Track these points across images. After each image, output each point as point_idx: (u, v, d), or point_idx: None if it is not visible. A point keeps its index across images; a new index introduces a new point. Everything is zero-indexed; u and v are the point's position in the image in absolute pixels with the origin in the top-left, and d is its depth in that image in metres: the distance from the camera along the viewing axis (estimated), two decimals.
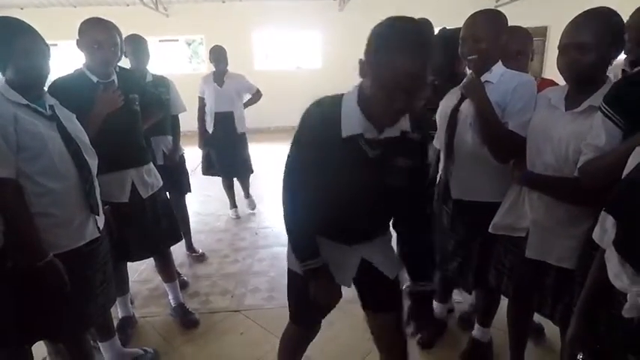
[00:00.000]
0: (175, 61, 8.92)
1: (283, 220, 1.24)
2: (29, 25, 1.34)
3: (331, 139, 1.07)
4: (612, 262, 0.91)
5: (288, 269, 1.38)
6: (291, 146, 1.16)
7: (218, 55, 3.34)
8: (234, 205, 3.83)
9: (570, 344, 1.06)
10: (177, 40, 8.86)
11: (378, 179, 1.12)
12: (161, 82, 2.57)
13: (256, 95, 3.65)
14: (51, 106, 1.42)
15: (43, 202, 1.33)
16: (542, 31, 8.10)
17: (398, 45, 0.92)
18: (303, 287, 1.27)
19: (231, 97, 3.40)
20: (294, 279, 1.35)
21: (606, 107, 1.12)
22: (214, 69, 3.39)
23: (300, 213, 1.20)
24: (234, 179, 3.79)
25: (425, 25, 2.25)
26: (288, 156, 1.18)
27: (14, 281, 1.28)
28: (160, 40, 8.10)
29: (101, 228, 1.54)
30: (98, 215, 1.51)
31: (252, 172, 3.76)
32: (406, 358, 1.40)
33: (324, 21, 8.11)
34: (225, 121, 3.41)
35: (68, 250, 1.39)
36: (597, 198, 1.03)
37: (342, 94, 1.11)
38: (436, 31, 2.28)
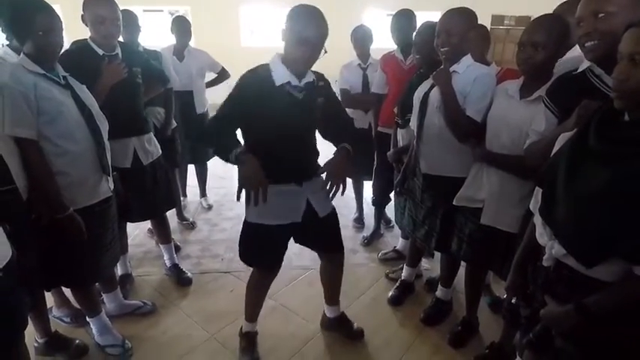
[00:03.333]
0: (159, 33, 8.70)
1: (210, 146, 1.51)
2: (47, 2, 1.44)
3: (267, 90, 1.45)
4: (538, 224, 1.15)
5: (245, 222, 1.66)
6: (224, 103, 1.49)
7: (181, 26, 2.95)
8: (184, 193, 3.45)
9: (508, 291, 1.33)
10: (162, 11, 8.66)
11: (306, 116, 1.52)
12: (153, 55, 2.57)
13: (222, 74, 3.24)
14: (64, 77, 1.55)
15: (61, 163, 1.49)
16: (526, 20, 8.33)
17: (301, 18, 1.42)
18: (257, 234, 1.63)
19: (191, 74, 3.00)
20: (249, 229, 1.66)
21: (546, 99, 1.35)
22: (175, 41, 2.99)
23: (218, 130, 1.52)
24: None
25: (404, 13, 2.44)
26: (220, 110, 1.50)
27: (38, 232, 1.44)
28: (144, 10, 7.90)
29: (112, 188, 1.70)
30: (109, 176, 1.66)
31: (210, 157, 3.31)
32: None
33: None
34: (184, 101, 2.98)
35: (83, 207, 1.55)
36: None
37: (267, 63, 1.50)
38: (418, 16, 2.47)
